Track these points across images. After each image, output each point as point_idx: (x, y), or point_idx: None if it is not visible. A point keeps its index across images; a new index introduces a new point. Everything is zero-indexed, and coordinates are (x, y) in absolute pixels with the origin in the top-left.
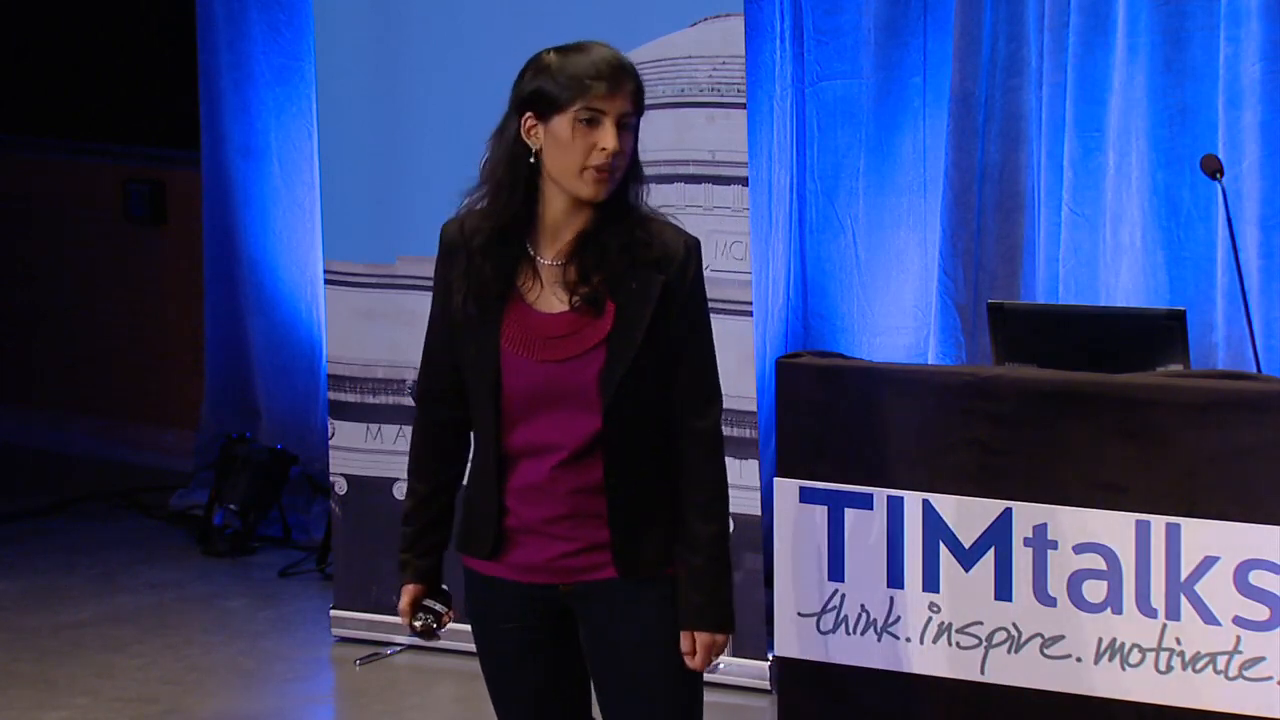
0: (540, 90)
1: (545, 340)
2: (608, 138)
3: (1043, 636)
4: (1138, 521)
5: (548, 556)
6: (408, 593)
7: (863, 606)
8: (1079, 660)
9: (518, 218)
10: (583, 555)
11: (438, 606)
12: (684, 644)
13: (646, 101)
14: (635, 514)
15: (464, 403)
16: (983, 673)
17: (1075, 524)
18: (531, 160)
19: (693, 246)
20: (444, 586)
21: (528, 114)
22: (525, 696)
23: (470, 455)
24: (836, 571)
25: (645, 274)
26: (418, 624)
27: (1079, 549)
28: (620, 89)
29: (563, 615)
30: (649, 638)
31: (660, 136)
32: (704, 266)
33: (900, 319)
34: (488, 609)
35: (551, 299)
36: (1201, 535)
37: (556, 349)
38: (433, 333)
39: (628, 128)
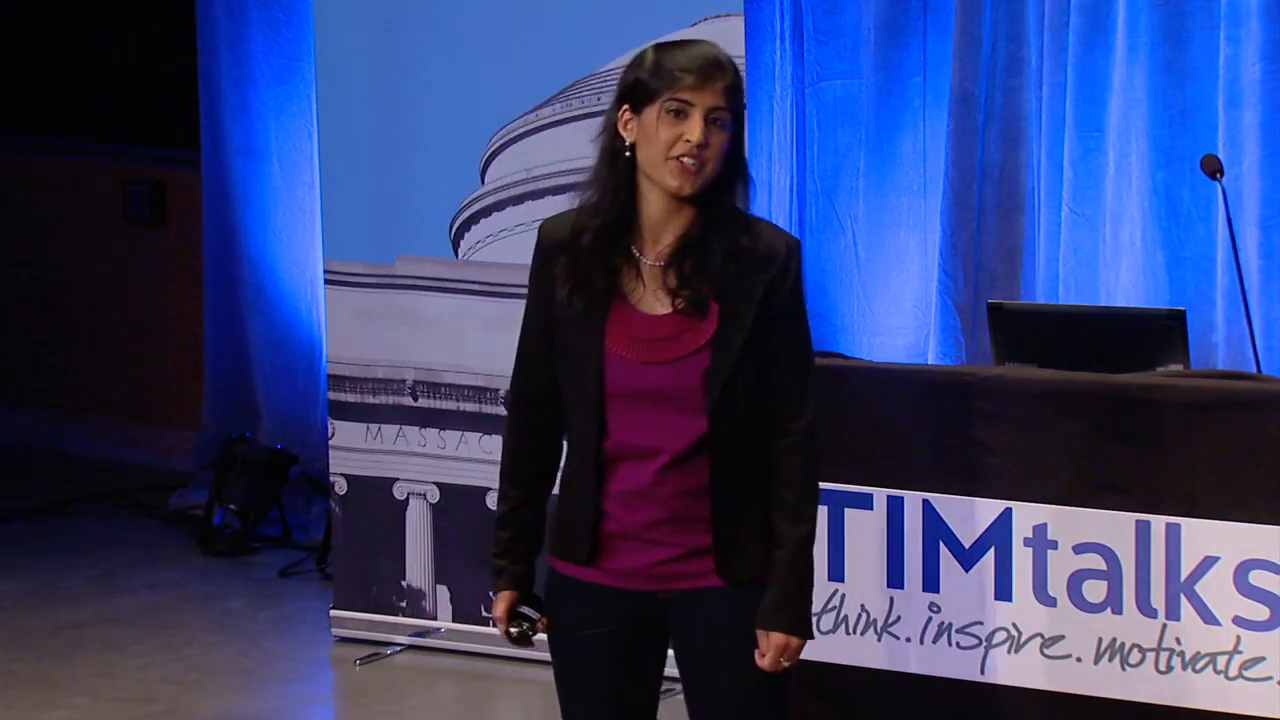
0: (635, 82)
1: (649, 342)
2: (693, 129)
3: (1043, 636)
4: (1138, 521)
5: (647, 562)
6: (503, 599)
7: (863, 606)
8: (1079, 660)
9: (621, 216)
10: (683, 562)
11: (533, 613)
12: (760, 643)
13: None
14: (737, 518)
15: (560, 405)
16: (983, 673)
17: (1075, 524)
18: (627, 154)
19: (794, 247)
20: (536, 593)
21: (624, 106)
22: (598, 703)
23: (564, 459)
24: (836, 571)
25: (748, 275)
26: (514, 631)
27: (1079, 549)
28: (710, 83)
29: (653, 622)
30: (744, 647)
31: None
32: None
33: (900, 319)
34: (574, 613)
35: (655, 300)
36: (1201, 535)
37: (660, 351)
38: (528, 334)
39: (717, 123)
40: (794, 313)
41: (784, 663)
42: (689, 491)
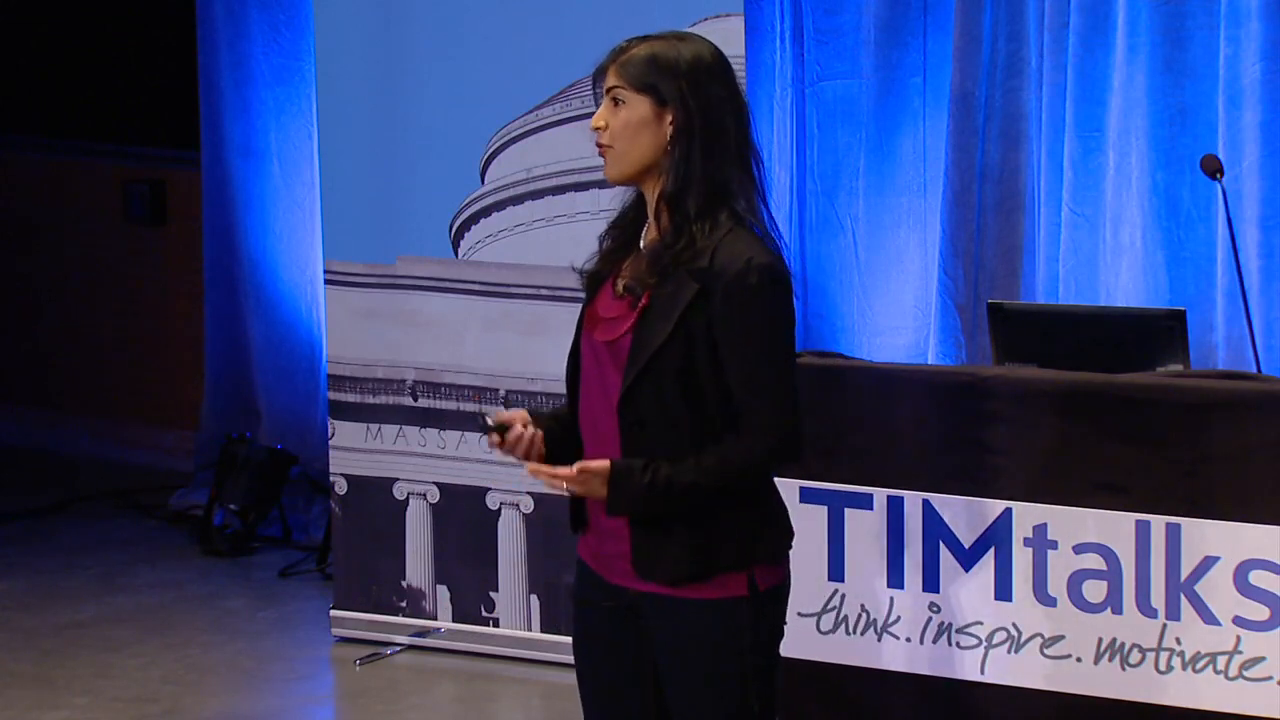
0: None
1: (603, 320)
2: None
3: (1043, 636)
4: (1138, 521)
5: (603, 551)
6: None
7: (863, 606)
8: (1079, 660)
9: (630, 211)
10: (626, 559)
11: (496, 424)
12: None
13: None
14: (656, 520)
15: None
16: (983, 673)
17: (1075, 524)
18: None
19: (756, 268)
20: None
21: None
22: (595, 677)
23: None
24: (836, 571)
25: (683, 281)
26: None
27: (1079, 549)
28: (611, 64)
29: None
30: (694, 673)
31: None
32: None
33: (900, 319)
34: (582, 585)
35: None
36: (1201, 535)
37: (604, 330)
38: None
39: (615, 101)
40: (741, 332)
41: (566, 486)
42: None
